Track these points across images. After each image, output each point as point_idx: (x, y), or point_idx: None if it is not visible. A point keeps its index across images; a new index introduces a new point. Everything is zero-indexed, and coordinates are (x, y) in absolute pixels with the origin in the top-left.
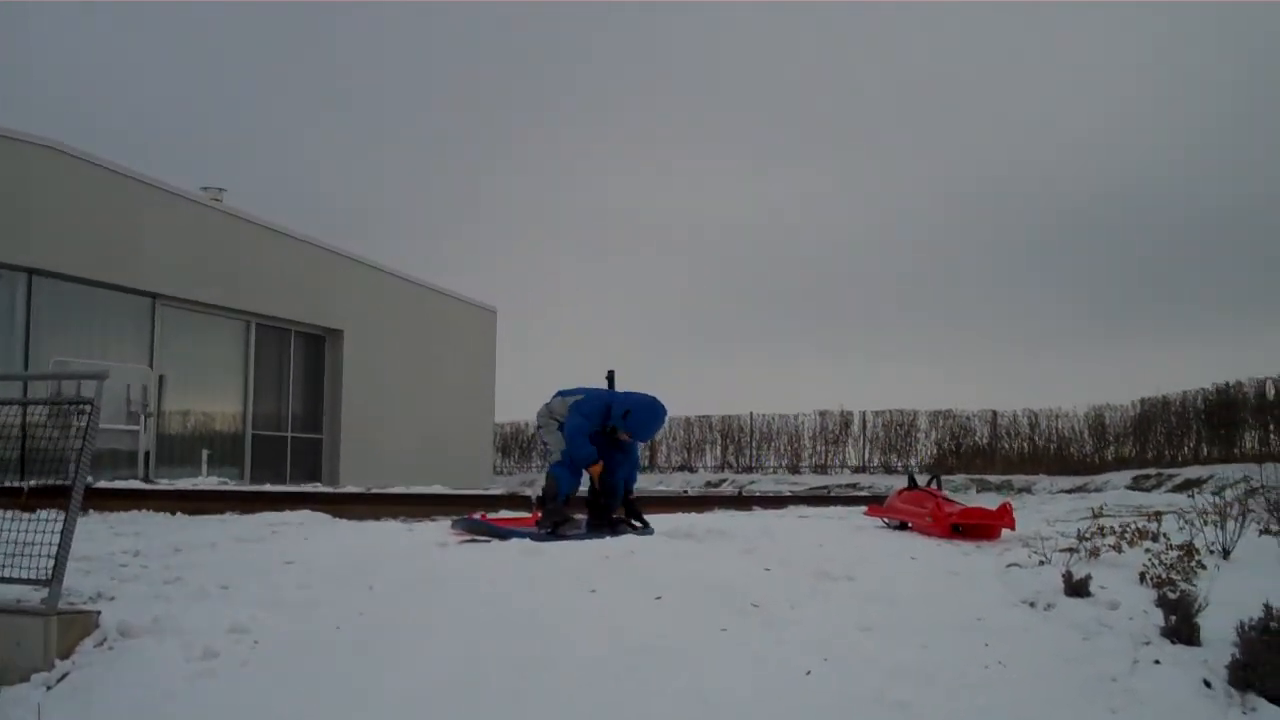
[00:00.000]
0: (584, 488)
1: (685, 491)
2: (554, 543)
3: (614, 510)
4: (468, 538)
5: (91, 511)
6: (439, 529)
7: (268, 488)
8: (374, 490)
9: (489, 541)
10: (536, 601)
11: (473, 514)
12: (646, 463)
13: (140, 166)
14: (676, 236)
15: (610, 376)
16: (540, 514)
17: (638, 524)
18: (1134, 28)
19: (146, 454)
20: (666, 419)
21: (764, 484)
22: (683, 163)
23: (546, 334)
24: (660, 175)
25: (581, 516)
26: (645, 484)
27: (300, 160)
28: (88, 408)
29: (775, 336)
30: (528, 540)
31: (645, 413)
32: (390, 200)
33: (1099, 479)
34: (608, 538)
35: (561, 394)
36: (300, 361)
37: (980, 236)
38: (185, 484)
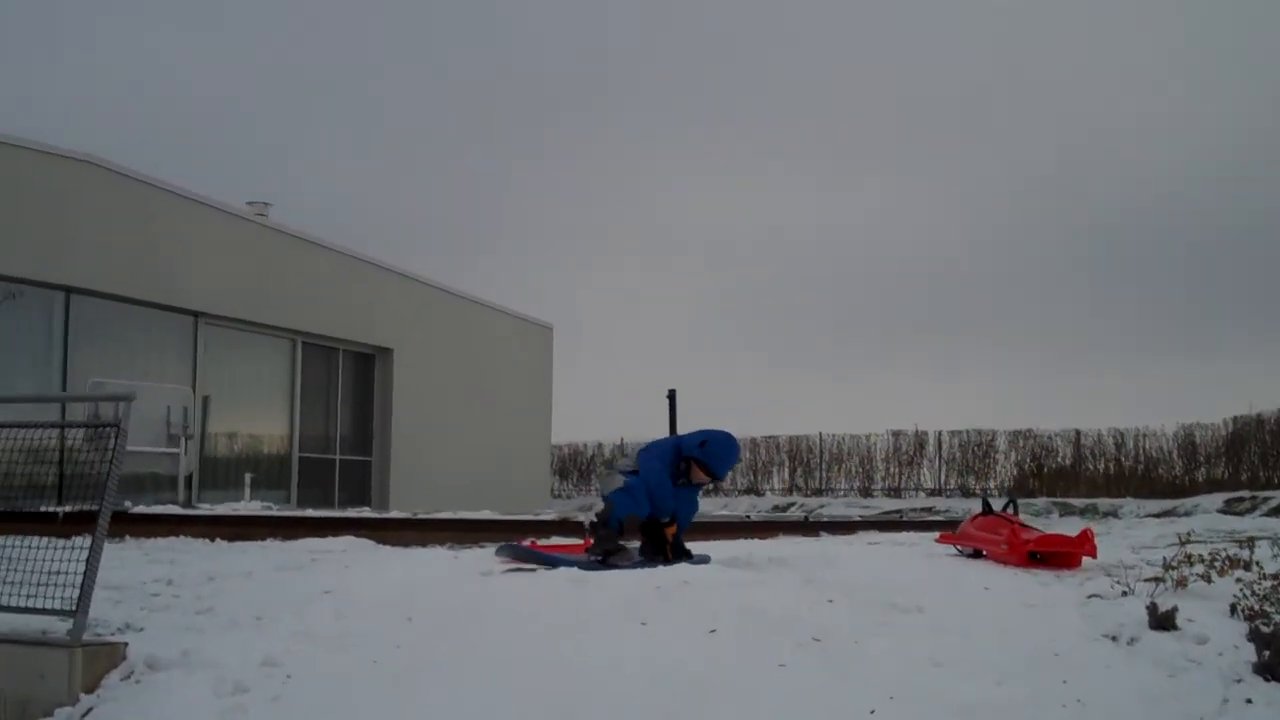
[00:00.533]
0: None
1: (747, 516)
2: (603, 572)
3: (678, 540)
4: (514, 565)
5: (128, 538)
6: (485, 556)
7: (310, 513)
8: (421, 515)
9: (535, 570)
10: (583, 634)
11: (521, 540)
12: (712, 486)
13: (181, 181)
14: (735, 250)
15: (672, 396)
16: (591, 540)
17: (692, 554)
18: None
19: (188, 477)
20: (739, 455)
21: (834, 508)
22: (742, 173)
23: (603, 352)
24: (717, 186)
25: (635, 544)
26: (708, 508)
27: (339, 174)
28: (114, 430)
29: (845, 353)
30: (575, 569)
31: (721, 447)
32: (435, 214)
33: (1189, 502)
34: (660, 567)
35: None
36: (348, 381)
37: (1058, 245)
38: (226, 509)
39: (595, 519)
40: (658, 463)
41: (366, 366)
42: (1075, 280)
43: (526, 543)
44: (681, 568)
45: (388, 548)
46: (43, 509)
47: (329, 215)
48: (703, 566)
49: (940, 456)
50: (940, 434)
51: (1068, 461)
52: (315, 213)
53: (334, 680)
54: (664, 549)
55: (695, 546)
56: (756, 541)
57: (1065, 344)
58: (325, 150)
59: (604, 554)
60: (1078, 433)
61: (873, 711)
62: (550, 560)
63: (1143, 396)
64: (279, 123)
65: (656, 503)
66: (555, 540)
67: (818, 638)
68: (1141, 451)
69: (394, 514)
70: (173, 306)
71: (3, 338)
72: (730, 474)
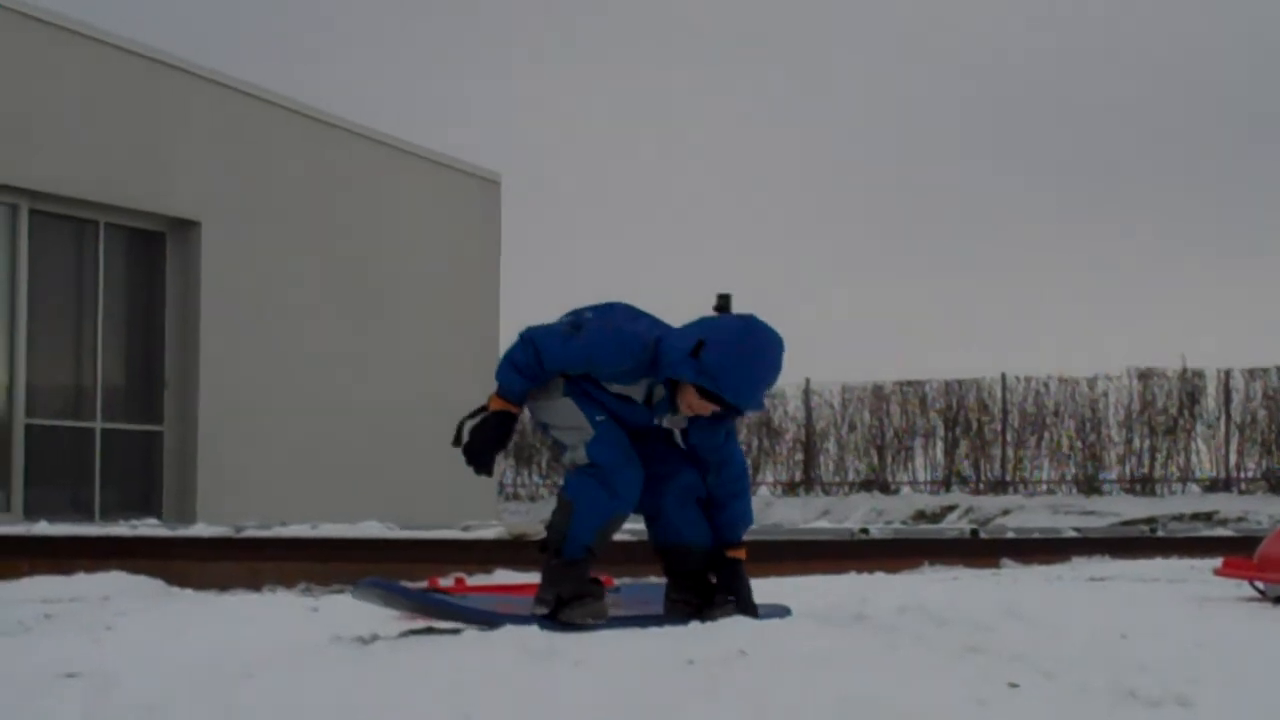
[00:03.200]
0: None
1: (864, 531)
2: (587, 633)
3: (709, 567)
4: (421, 623)
5: None
6: (368, 608)
7: (46, 529)
8: (250, 533)
9: (461, 631)
10: None
11: (437, 579)
12: (797, 474)
13: None
14: (845, 44)
15: (723, 307)
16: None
17: (738, 600)
18: None
19: None
20: (782, 367)
21: (1030, 514)
22: None
23: (600, 227)
24: None
25: (651, 582)
26: (793, 514)
27: None
28: None
29: (1048, 230)
30: (534, 629)
31: (737, 346)
32: None
33: None
34: (694, 624)
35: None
36: (119, 284)
37: None
38: None
39: (546, 533)
40: (612, 351)
41: (152, 255)
42: None
43: (448, 582)
44: (732, 626)
45: (189, 592)
46: None
47: None
48: (773, 623)
49: (1227, 417)
50: (1227, 376)
51: None
52: None
53: None
54: (688, 568)
55: (765, 586)
56: (880, 577)
57: None
58: None
59: (556, 602)
60: None
61: None
62: (479, 615)
63: None
64: None
65: (598, 362)
66: (500, 576)
67: None
68: None
69: (201, 530)
70: None
71: None
72: (836, 451)
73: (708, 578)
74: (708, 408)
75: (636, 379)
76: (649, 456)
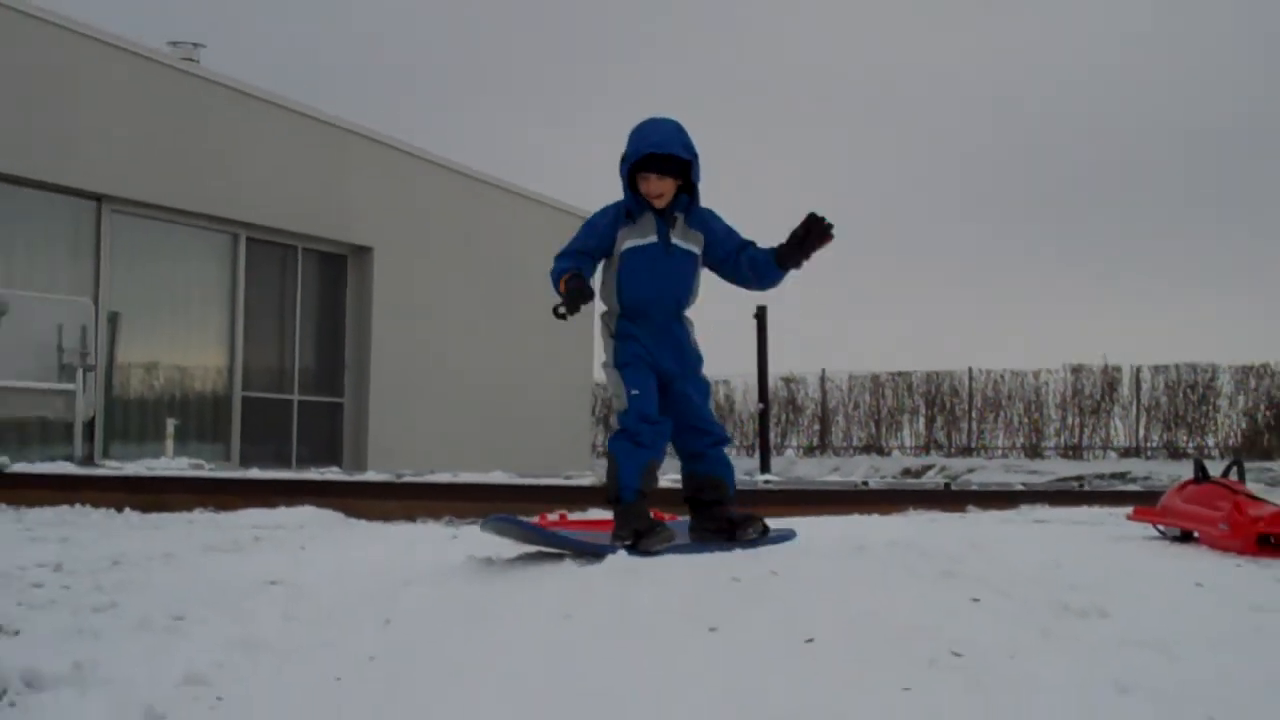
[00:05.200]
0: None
1: (864, 484)
2: (657, 558)
3: (724, 498)
4: (534, 549)
5: (3, 506)
6: (493, 537)
7: (256, 474)
8: (408, 478)
9: (563, 557)
10: (628, 646)
11: (545, 515)
12: (815, 440)
13: (79, 12)
14: (840, 101)
15: (761, 316)
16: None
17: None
18: None
19: (88, 424)
20: (679, 125)
21: (989, 472)
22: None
23: None
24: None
25: (676, 520)
26: (811, 471)
27: (300, 14)
28: None
29: (1006, 258)
30: (621, 554)
31: (634, 129)
32: (430, 62)
33: None
34: (737, 551)
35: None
36: (311, 293)
37: None
38: (140, 467)
39: (606, 483)
40: (597, 213)
41: (336, 272)
42: None
43: (555, 516)
44: (768, 553)
45: (362, 523)
46: None
47: (283, 65)
48: (798, 552)
49: (1138, 402)
50: (1139, 370)
51: None
52: (268, 63)
53: (280, 705)
54: (706, 505)
55: (789, 523)
56: (875, 518)
57: None
58: None
59: (635, 536)
60: None
61: None
62: (573, 543)
63: None
64: None
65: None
66: (592, 514)
67: (958, 652)
68: None
69: (371, 476)
70: (66, 187)
71: None
72: (844, 424)
73: (728, 511)
74: (660, 182)
75: (634, 219)
76: (702, 416)
